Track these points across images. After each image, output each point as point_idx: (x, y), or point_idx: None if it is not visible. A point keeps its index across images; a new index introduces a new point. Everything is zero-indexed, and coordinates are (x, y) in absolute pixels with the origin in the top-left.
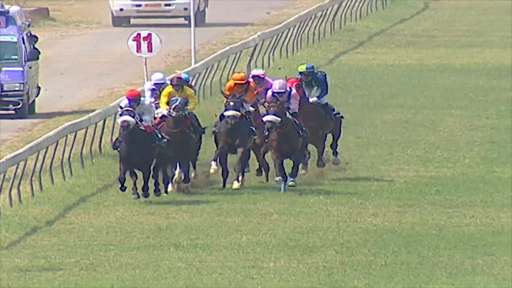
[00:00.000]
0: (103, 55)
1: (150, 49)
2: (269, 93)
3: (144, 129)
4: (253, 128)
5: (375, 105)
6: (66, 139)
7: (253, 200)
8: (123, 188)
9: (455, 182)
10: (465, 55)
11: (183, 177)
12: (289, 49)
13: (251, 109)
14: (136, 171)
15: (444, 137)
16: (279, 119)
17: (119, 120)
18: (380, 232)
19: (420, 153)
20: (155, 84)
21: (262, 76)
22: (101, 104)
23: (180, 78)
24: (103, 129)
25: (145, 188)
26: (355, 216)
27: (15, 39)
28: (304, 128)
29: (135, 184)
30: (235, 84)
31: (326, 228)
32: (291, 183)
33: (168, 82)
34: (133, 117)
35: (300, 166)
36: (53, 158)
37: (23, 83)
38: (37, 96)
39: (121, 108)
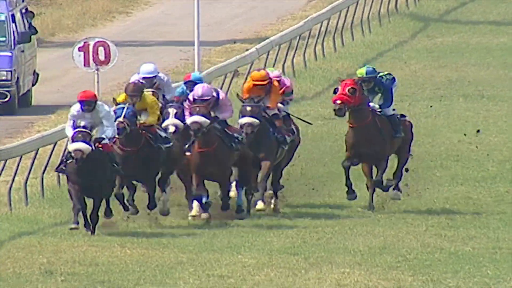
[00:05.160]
0: None
1: None
2: (190, 98)
3: (99, 147)
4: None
5: None
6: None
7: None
8: (76, 222)
9: None
10: None
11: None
12: None
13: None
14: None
15: None
16: (208, 121)
17: (71, 147)
18: None
19: None
20: (144, 78)
21: (278, 79)
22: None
23: (138, 85)
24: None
25: (106, 210)
26: None
27: (2, 18)
28: (238, 139)
29: (86, 221)
30: (254, 85)
31: None
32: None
33: (161, 75)
34: (88, 143)
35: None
36: (353, 17)
37: (11, 71)
38: (33, 85)
39: (73, 119)
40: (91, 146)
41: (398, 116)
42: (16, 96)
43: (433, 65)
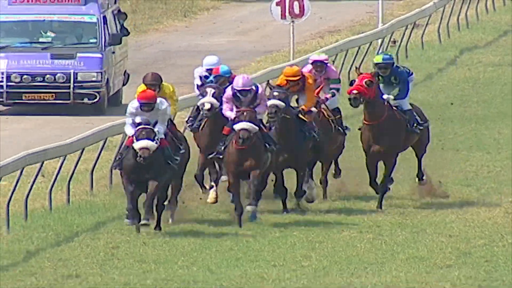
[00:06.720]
0: None
1: None
2: (229, 91)
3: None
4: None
5: None
6: None
7: None
8: (132, 220)
9: None
10: None
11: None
12: None
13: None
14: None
15: None
16: (257, 128)
17: (137, 146)
18: None
19: None
20: (207, 70)
21: (325, 62)
22: None
23: (157, 74)
24: None
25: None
26: None
27: (94, 19)
28: (273, 140)
29: (136, 212)
30: (287, 81)
31: None
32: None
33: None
34: (153, 140)
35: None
36: None
37: (101, 73)
38: (124, 84)
39: (131, 116)
40: (156, 142)
41: (417, 109)
42: (105, 97)
43: None
